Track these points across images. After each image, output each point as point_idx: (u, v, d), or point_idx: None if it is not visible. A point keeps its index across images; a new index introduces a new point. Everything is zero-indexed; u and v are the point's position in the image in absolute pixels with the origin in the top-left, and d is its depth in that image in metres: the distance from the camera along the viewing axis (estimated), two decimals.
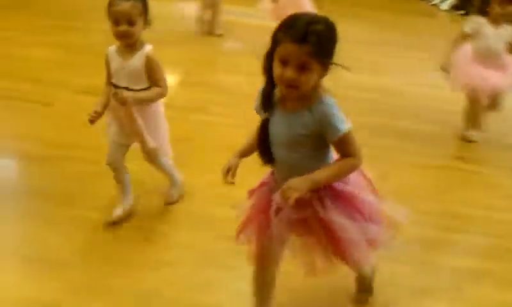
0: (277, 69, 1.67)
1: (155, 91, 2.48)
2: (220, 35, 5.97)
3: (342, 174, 1.79)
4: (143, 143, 2.55)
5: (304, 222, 1.82)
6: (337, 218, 1.80)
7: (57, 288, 2.34)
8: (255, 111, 1.87)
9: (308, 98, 1.72)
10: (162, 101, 2.62)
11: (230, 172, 1.89)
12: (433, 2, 7.94)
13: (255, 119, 1.88)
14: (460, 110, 3.98)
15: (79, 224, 2.71)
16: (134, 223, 2.76)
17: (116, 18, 2.37)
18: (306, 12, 1.71)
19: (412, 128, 4.06)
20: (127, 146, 2.67)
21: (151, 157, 2.66)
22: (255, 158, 1.91)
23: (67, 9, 6.38)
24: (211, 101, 4.22)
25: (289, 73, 1.64)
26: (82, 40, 5.13)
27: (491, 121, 4.00)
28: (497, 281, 2.56)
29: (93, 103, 2.54)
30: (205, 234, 2.67)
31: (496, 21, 3.71)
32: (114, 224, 2.69)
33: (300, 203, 1.73)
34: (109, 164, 2.66)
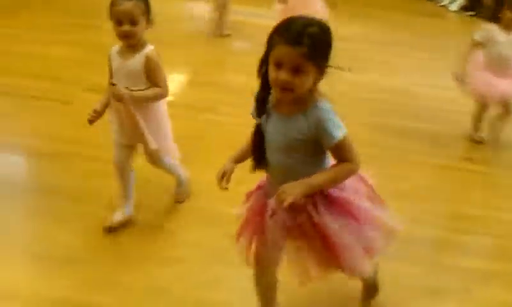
0: (272, 72, 1.65)
1: (154, 90, 2.44)
2: (228, 35, 5.98)
3: (339, 180, 1.77)
4: (144, 144, 2.54)
5: (299, 227, 1.80)
6: (331, 223, 1.77)
7: (67, 285, 2.36)
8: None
9: (303, 102, 1.70)
10: (164, 101, 2.58)
11: (224, 177, 1.86)
12: (442, 3, 7.92)
13: None
14: (469, 112, 3.97)
15: (89, 221, 2.73)
16: (142, 220, 2.77)
17: (119, 18, 2.34)
18: (302, 16, 1.68)
19: (422, 128, 4.05)
20: (131, 148, 2.63)
21: (153, 158, 2.64)
22: None
23: (86, 8, 6.41)
24: (220, 101, 4.23)
25: (284, 75, 1.62)
26: (101, 39, 5.13)
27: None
28: (506, 282, 2.56)
29: None
30: (213, 231, 2.68)
31: (508, 27, 3.68)
32: (112, 230, 2.66)
33: (294, 208, 1.72)
34: (114, 164, 2.65)
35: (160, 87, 2.44)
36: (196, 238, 2.66)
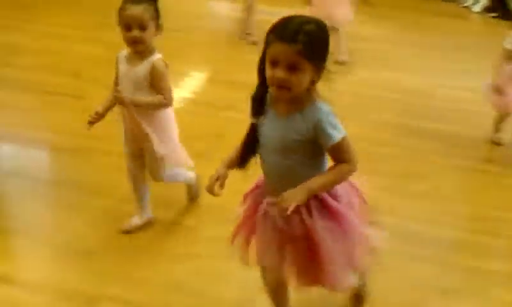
0: (268, 70, 1.63)
1: (156, 98, 2.39)
2: (254, 43, 5.90)
3: (338, 181, 1.76)
4: (147, 152, 2.51)
5: (289, 230, 1.77)
6: (322, 229, 1.75)
7: (83, 277, 2.41)
8: None
9: (300, 102, 1.68)
10: (172, 111, 2.54)
11: (218, 181, 1.81)
12: (465, 4, 7.83)
13: None
14: (489, 113, 3.93)
15: (109, 215, 2.78)
16: (160, 217, 2.80)
17: (128, 23, 2.29)
18: (299, 14, 1.65)
19: (441, 129, 4.02)
20: (140, 158, 2.59)
21: (153, 173, 2.59)
22: None
23: (107, 7, 6.44)
24: (240, 99, 4.17)
25: (280, 73, 1.60)
26: (121, 37, 5.22)
27: None
28: None
29: None
30: (230, 228, 2.70)
31: None
32: (129, 232, 2.68)
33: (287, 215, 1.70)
34: (129, 170, 2.64)
35: (163, 95, 2.40)
36: (214, 235, 2.68)
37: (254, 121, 1.78)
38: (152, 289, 2.37)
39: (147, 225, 2.73)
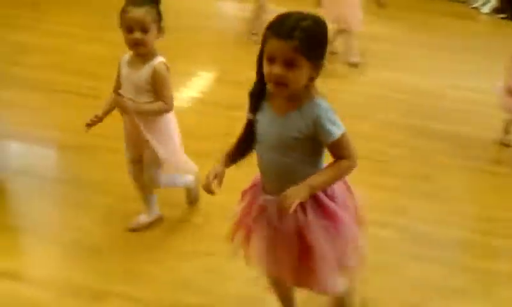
0: (266, 67, 1.62)
1: (158, 104, 2.37)
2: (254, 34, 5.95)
3: (338, 178, 1.73)
4: (146, 158, 2.50)
5: (283, 228, 1.75)
6: (315, 228, 1.73)
7: (90, 274, 2.42)
8: None
9: (298, 99, 1.67)
10: (173, 116, 2.52)
11: (216, 179, 1.77)
12: (474, 5, 7.81)
13: None
14: (499, 114, 3.91)
15: (116, 212, 2.79)
16: (169, 214, 2.81)
17: (129, 25, 2.27)
18: (297, 11, 1.63)
19: (450, 130, 4.01)
20: (139, 162, 2.57)
21: (149, 179, 2.57)
22: None
23: (118, 8, 6.49)
24: (247, 98, 4.24)
25: (276, 70, 1.59)
26: None
27: None
28: None
29: None
30: None
31: None
32: (136, 230, 2.68)
33: (281, 212, 1.69)
34: (129, 173, 2.63)
35: (164, 101, 2.38)
36: (221, 233, 2.66)
37: (251, 117, 1.76)
38: (159, 286, 2.38)
39: (154, 223, 2.74)
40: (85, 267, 2.47)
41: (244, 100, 1.79)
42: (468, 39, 6.22)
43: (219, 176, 1.78)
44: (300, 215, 1.73)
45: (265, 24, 1.66)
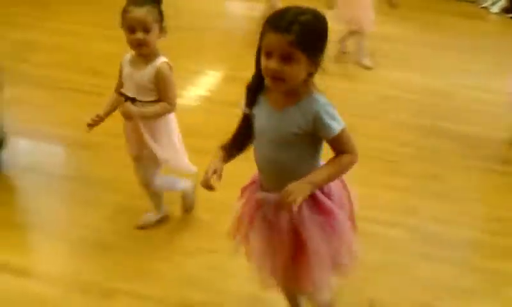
0: (263, 61, 1.59)
1: (161, 105, 2.35)
2: None
3: (340, 173, 1.70)
4: (145, 158, 2.47)
5: (277, 223, 1.74)
6: (310, 225, 1.71)
7: (97, 271, 2.43)
8: None
9: (296, 95, 1.64)
10: (174, 117, 2.49)
11: (215, 174, 1.72)
12: (483, 5, 7.77)
13: None
14: (509, 114, 3.89)
15: (124, 210, 2.79)
16: (175, 212, 2.80)
17: (131, 26, 2.24)
18: (297, 5, 1.59)
19: (460, 130, 3.98)
20: (140, 160, 2.53)
21: (144, 181, 2.56)
22: None
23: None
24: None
25: (273, 64, 1.56)
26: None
27: None
28: None
29: None
30: None
31: None
32: (143, 228, 2.69)
33: (278, 205, 1.68)
34: (140, 184, 2.61)
35: (168, 101, 2.36)
36: (226, 230, 2.67)
37: (247, 111, 1.74)
38: (166, 283, 2.38)
39: (161, 221, 2.74)
40: (93, 264, 2.48)
41: None
42: (477, 39, 6.18)
43: (218, 172, 1.73)
44: (295, 211, 1.68)
45: None
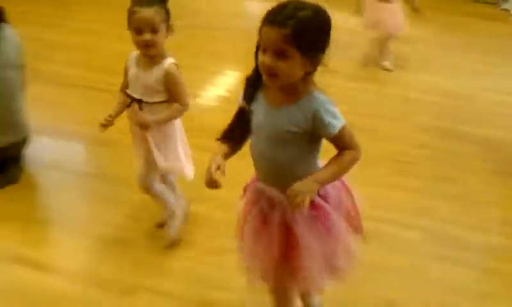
0: (260, 56, 1.56)
1: (174, 108, 2.31)
2: None
3: (344, 170, 1.64)
4: (146, 162, 2.43)
5: (270, 218, 1.72)
6: (302, 223, 1.68)
7: (116, 267, 2.45)
8: None
9: (295, 93, 1.59)
10: (180, 122, 2.46)
11: (219, 170, 1.65)
12: (503, 7, 7.71)
13: None
14: None
15: (144, 207, 2.79)
16: (194, 211, 2.81)
17: (139, 26, 2.18)
18: (300, 1, 1.53)
19: (481, 133, 3.94)
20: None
21: (142, 183, 2.48)
22: None
23: None
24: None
25: (266, 59, 1.52)
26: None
27: None
28: None
29: None
30: None
31: None
32: (162, 226, 2.63)
33: (272, 201, 1.68)
34: (139, 187, 2.51)
35: (180, 102, 2.31)
36: None
37: (243, 105, 1.69)
38: (186, 281, 2.38)
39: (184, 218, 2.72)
40: (113, 260, 2.49)
41: None
42: (499, 41, 6.13)
43: (222, 167, 1.66)
44: (287, 210, 1.67)
45: None
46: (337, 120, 1.58)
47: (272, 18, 1.51)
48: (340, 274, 1.82)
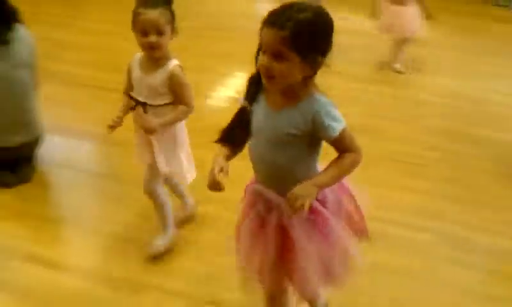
0: (259, 57, 1.54)
1: (180, 110, 2.28)
2: None
3: (345, 173, 1.63)
4: (149, 167, 2.43)
5: (267, 221, 1.71)
6: (298, 226, 1.66)
7: (131, 267, 2.46)
8: None
9: (296, 95, 1.58)
10: (184, 127, 2.43)
11: (222, 172, 1.62)
12: None
13: None
14: None
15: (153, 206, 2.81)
16: (204, 211, 2.82)
17: (144, 28, 2.16)
18: (303, 2, 1.52)
19: (490, 136, 3.93)
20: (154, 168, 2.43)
21: (147, 187, 2.48)
22: None
23: None
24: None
25: (264, 60, 1.51)
26: None
27: None
28: None
29: None
30: None
31: None
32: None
33: (270, 204, 1.68)
34: (143, 191, 2.51)
35: (185, 104, 2.28)
36: None
37: (244, 104, 1.67)
38: (195, 280, 2.40)
39: (190, 218, 2.76)
40: (123, 259, 2.51)
41: None
42: (510, 44, 6.10)
43: (225, 168, 1.63)
44: (284, 214, 1.67)
45: None
46: (337, 123, 1.56)
47: (271, 20, 1.50)
48: (337, 280, 1.80)
